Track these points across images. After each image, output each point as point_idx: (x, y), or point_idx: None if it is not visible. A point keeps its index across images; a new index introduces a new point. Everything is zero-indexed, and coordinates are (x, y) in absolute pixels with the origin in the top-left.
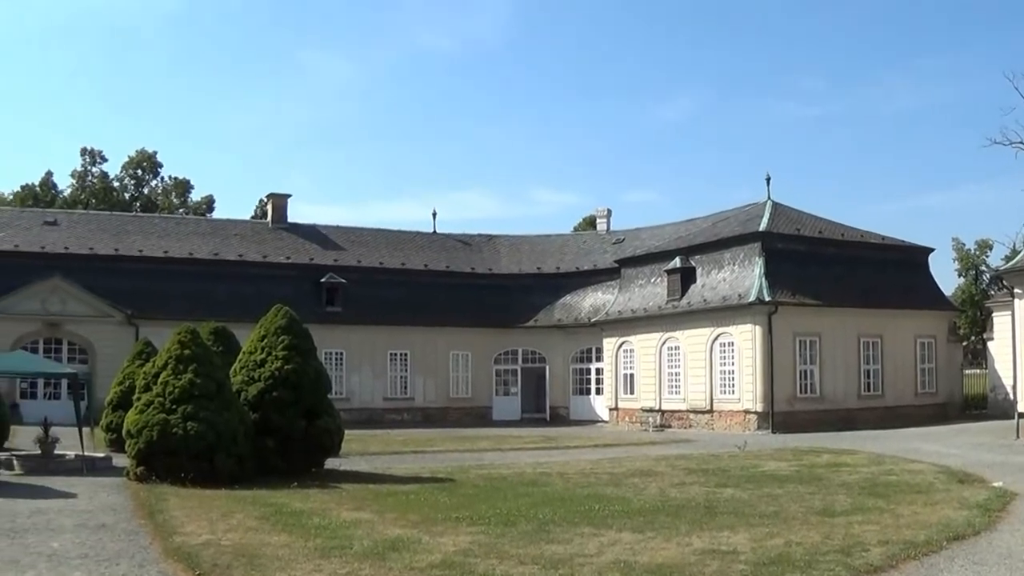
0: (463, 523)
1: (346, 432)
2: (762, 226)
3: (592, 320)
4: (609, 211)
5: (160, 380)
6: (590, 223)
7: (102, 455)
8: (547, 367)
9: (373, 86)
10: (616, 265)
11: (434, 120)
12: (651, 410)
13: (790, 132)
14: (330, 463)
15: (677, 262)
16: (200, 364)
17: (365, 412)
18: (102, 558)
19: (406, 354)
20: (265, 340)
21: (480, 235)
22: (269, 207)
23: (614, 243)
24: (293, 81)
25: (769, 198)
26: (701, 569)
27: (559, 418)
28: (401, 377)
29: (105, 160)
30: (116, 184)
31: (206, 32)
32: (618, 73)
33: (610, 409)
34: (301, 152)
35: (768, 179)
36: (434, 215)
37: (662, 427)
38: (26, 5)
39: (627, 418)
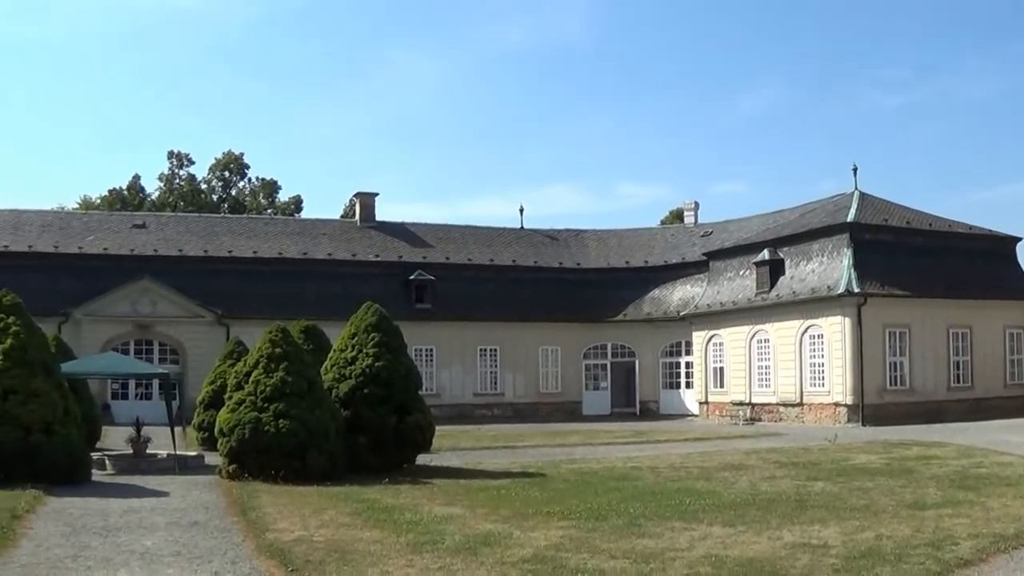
0: (554, 518)
1: (437, 428)
2: (850, 217)
3: (681, 314)
4: (696, 204)
5: (252, 379)
6: (677, 216)
7: (194, 454)
8: (636, 361)
9: (458, 84)
10: (704, 258)
11: (519, 116)
12: (741, 404)
13: (876, 122)
14: (421, 459)
15: (765, 254)
16: (291, 362)
17: (455, 408)
18: (195, 555)
19: (496, 350)
20: (356, 338)
21: (568, 230)
22: (357, 206)
23: (702, 236)
24: (377, 80)
25: (856, 188)
26: (792, 563)
27: (649, 412)
28: (491, 373)
29: (192, 163)
30: (204, 186)
31: (289, 33)
32: (701, 65)
33: (700, 403)
34: (388, 151)
35: (855, 169)
36: (521, 211)
37: (752, 421)
38: (110, 9)
39: (717, 412)
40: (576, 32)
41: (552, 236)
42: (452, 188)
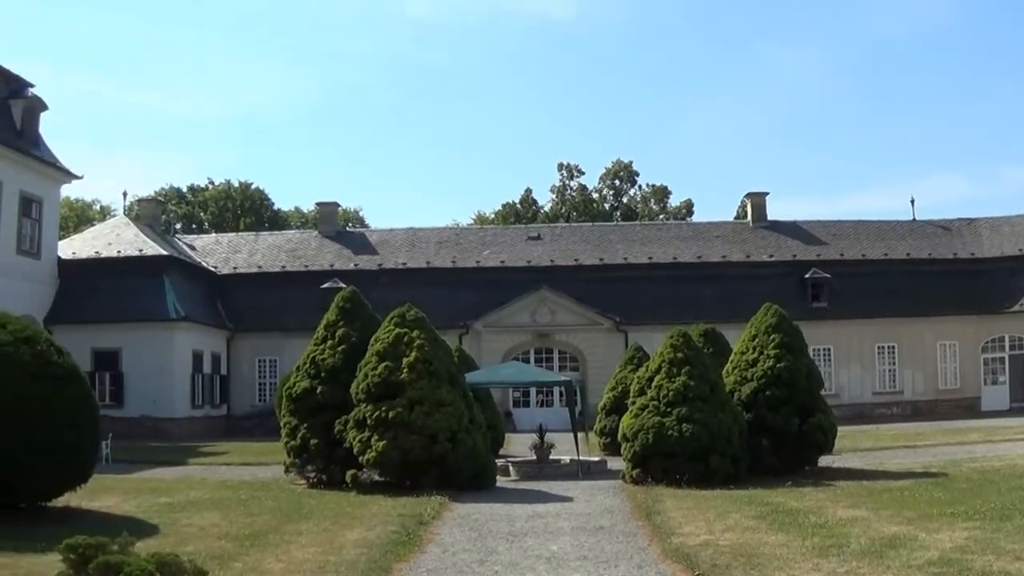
0: (958, 519)
1: (837, 428)
2: None
3: None
4: None
5: (654, 384)
6: None
7: (596, 459)
8: None
9: (834, 76)
10: None
11: (898, 106)
12: None
13: None
14: (823, 460)
15: None
16: (693, 366)
17: (854, 408)
18: (600, 560)
19: (893, 346)
20: (756, 339)
21: (959, 219)
22: (748, 206)
23: None
24: (756, 78)
25: None
26: None
27: None
28: (889, 370)
29: (582, 173)
30: (595, 196)
31: (664, 37)
32: None
33: None
34: (773, 148)
35: None
36: (912, 202)
37: None
38: (491, 30)
39: None
40: (951, 16)
41: (944, 226)
42: (837, 182)
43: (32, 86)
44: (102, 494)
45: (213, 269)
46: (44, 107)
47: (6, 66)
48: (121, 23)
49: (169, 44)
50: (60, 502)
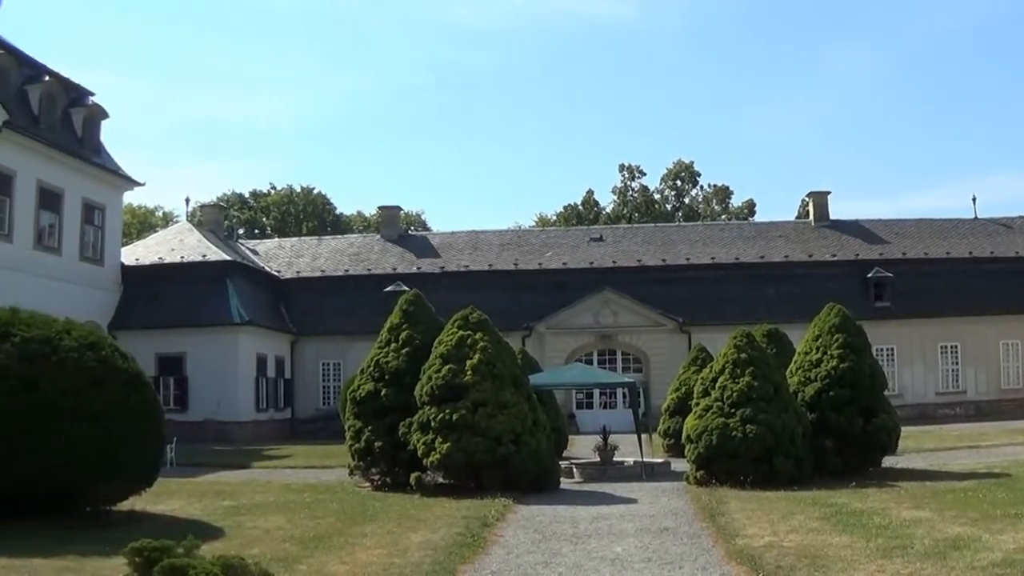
0: (1022, 519)
1: (900, 429)
2: None
3: None
4: None
5: (718, 385)
6: None
7: (660, 460)
8: None
9: (895, 74)
10: None
11: (958, 104)
12: None
13: None
14: (886, 461)
15: None
16: (757, 367)
17: (917, 408)
18: (665, 562)
19: (956, 346)
20: (819, 339)
21: (1021, 217)
22: (810, 206)
23: None
24: (818, 77)
25: None
26: None
27: None
28: (952, 370)
29: (643, 174)
30: (656, 196)
31: (727, 38)
32: None
33: None
34: (835, 147)
35: None
36: (974, 200)
37: None
38: (549, 32)
39: None
40: (1011, 11)
41: (1006, 224)
42: (899, 181)
43: (92, 94)
44: (167, 497)
45: (276, 274)
46: (105, 115)
47: (67, 75)
48: (182, 31)
49: (230, 51)
50: (125, 506)
